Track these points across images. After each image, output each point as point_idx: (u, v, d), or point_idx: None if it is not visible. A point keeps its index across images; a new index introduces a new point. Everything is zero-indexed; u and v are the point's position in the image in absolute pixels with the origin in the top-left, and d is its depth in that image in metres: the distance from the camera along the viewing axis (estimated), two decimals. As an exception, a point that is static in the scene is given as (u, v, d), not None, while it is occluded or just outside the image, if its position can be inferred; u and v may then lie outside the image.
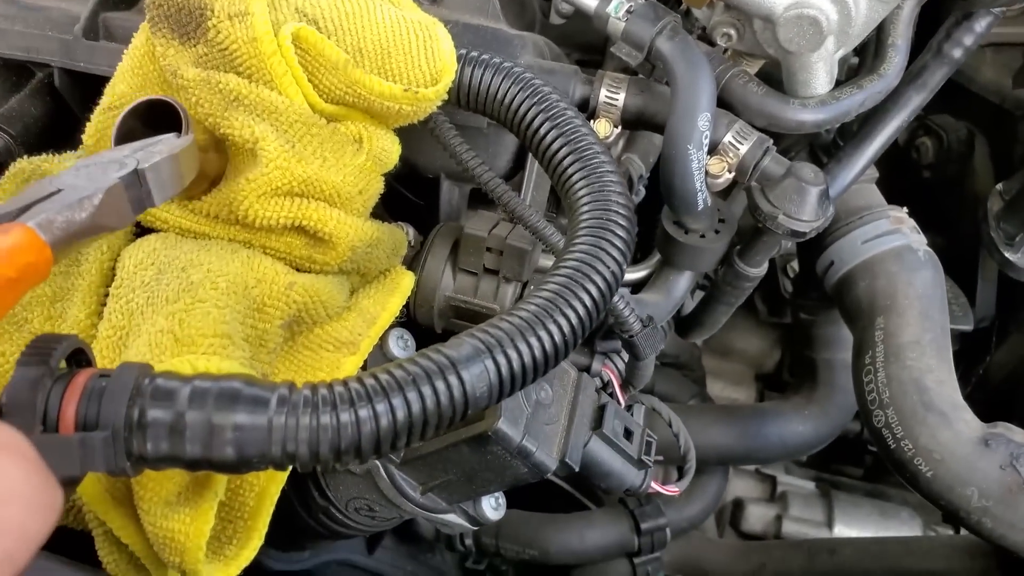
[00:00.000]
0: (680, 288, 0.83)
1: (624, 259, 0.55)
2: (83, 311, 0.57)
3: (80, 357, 0.44)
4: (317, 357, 0.63)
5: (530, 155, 0.78)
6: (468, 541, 1.14)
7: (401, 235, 0.71)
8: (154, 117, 0.59)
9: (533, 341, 0.49)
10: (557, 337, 0.50)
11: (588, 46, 0.99)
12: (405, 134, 0.68)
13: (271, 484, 0.57)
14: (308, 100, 0.61)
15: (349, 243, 0.62)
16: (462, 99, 0.65)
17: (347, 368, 0.64)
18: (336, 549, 1.10)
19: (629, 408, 0.75)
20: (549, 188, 0.81)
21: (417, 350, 0.77)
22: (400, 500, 0.70)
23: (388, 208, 0.81)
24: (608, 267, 0.54)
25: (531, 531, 1.07)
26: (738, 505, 1.30)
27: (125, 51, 0.66)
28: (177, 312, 0.52)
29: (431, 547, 1.22)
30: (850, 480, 1.38)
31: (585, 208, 0.57)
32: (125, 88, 0.65)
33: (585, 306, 0.52)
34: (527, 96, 0.63)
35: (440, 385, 0.46)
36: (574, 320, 0.51)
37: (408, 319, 0.76)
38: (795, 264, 1.07)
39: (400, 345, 0.74)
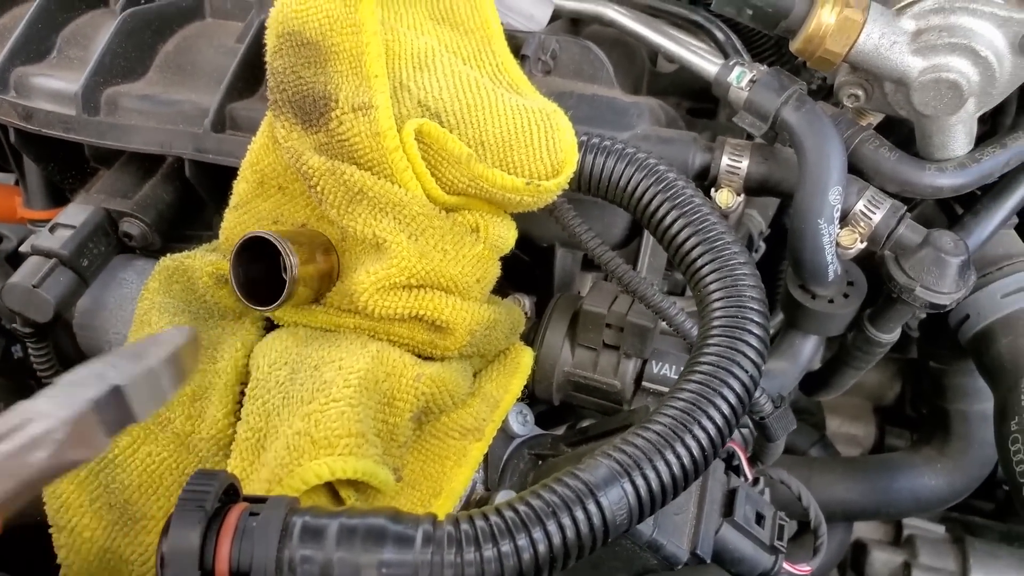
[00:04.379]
0: (806, 353, 0.80)
1: (762, 360, 0.53)
2: (220, 410, 0.59)
3: (230, 488, 0.45)
4: (444, 445, 0.63)
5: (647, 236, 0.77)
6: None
7: (519, 313, 0.70)
8: (259, 245, 0.60)
9: (671, 458, 0.48)
10: (696, 451, 0.49)
11: (700, 93, 0.96)
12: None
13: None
14: (428, 193, 0.62)
15: (467, 328, 0.62)
16: (583, 185, 0.64)
17: (473, 455, 0.64)
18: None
19: (756, 481, 0.73)
20: (663, 270, 0.80)
21: (536, 422, 0.77)
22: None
23: (504, 273, 0.82)
24: (746, 371, 0.52)
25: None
26: (860, 548, 1.24)
27: (248, 144, 0.68)
28: (313, 413, 0.53)
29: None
30: (982, 520, 1.31)
31: (717, 306, 0.55)
32: (245, 187, 0.66)
33: (723, 415, 0.50)
34: (652, 183, 0.61)
35: (579, 514, 0.45)
36: (712, 432, 0.50)
37: (526, 393, 0.76)
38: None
39: (520, 421, 0.74)
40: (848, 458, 1.10)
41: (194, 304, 0.65)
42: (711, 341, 0.53)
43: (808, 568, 0.74)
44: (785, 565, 0.71)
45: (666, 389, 0.73)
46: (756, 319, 0.54)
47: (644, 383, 0.73)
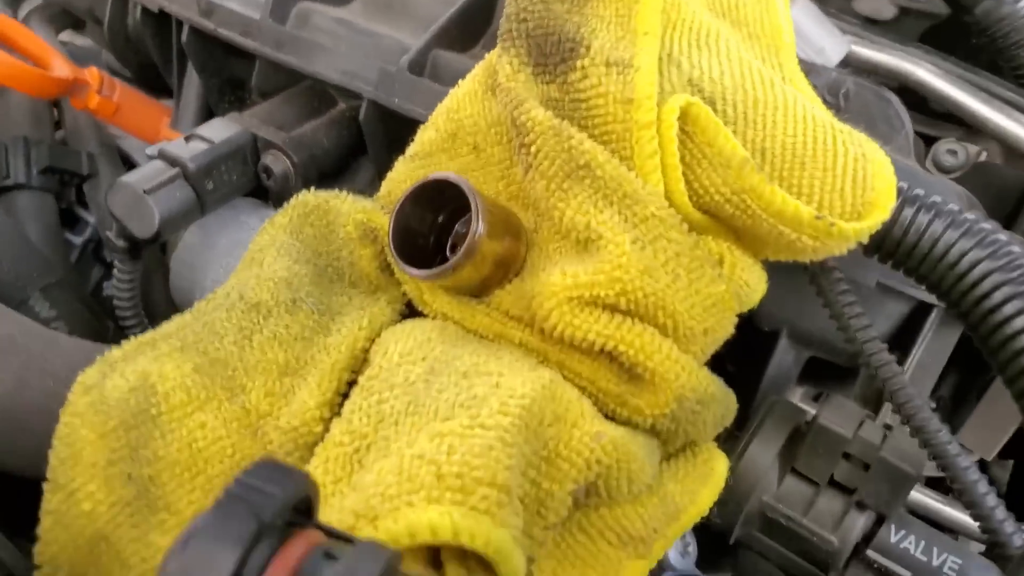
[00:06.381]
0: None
1: None
2: (315, 397, 0.42)
3: (305, 503, 0.28)
4: (594, 550, 0.43)
5: (923, 337, 0.57)
6: None
7: (733, 401, 0.51)
8: (439, 198, 0.45)
9: None
10: None
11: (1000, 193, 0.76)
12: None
13: None
14: (671, 197, 0.45)
15: (677, 391, 0.43)
16: (885, 247, 0.46)
17: (629, 575, 0.44)
18: None
19: None
20: (934, 383, 0.59)
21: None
22: None
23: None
24: None
25: None
26: None
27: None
28: (448, 435, 0.35)
29: None
30: None
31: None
32: (434, 135, 0.51)
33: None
34: (998, 268, 0.42)
35: None
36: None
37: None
38: None
39: (679, 549, 0.54)
40: None
41: (324, 257, 0.49)
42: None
43: None
44: None
45: (901, 570, 0.52)
46: None
47: (870, 552, 0.52)
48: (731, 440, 0.56)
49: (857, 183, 0.44)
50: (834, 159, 0.44)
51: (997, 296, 0.42)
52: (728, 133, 0.44)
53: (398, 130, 0.58)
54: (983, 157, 0.73)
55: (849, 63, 0.66)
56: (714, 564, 0.63)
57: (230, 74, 0.70)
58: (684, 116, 0.44)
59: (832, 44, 0.63)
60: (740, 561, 0.65)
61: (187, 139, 0.60)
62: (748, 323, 0.61)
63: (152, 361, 0.42)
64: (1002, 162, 0.72)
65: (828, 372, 0.66)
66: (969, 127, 0.72)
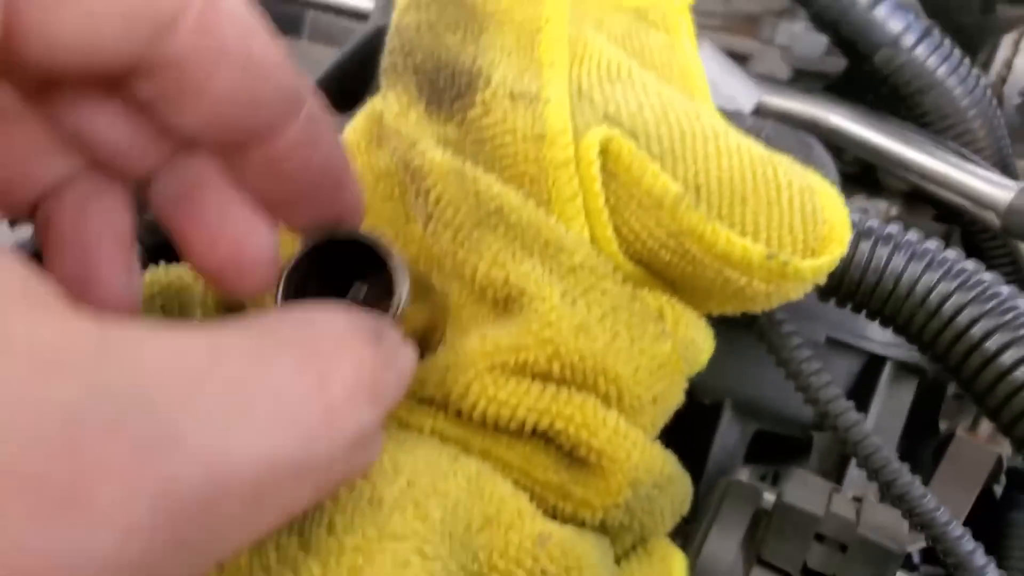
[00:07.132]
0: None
1: None
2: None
3: None
4: None
5: (879, 395, 0.51)
6: None
7: (689, 482, 0.43)
8: (337, 260, 0.34)
9: None
10: None
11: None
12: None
13: None
14: (600, 246, 0.38)
15: (630, 474, 0.35)
16: (843, 289, 0.40)
17: None
18: None
19: None
20: (895, 444, 0.53)
21: None
22: None
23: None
24: None
25: None
26: None
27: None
28: (349, 553, 0.26)
29: None
30: None
31: None
32: None
33: None
34: (970, 300, 0.37)
35: None
36: None
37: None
38: None
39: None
40: None
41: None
42: None
43: None
44: None
45: (894, 671, 0.44)
46: None
47: (856, 652, 0.44)
48: (681, 536, 0.48)
49: (807, 216, 0.38)
50: (778, 191, 0.38)
51: (976, 332, 0.37)
52: (656, 169, 0.38)
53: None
54: (893, 212, 0.71)
55: (759, 112, 0.63)
56: None
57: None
58: (604, 153, 0.38)
59: (743, 92, 0.60)
60: None
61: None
62: (686, 398, 0.54)
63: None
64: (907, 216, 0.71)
65: (775, 450, 0.60)
66: (871, 186, 0.70)
